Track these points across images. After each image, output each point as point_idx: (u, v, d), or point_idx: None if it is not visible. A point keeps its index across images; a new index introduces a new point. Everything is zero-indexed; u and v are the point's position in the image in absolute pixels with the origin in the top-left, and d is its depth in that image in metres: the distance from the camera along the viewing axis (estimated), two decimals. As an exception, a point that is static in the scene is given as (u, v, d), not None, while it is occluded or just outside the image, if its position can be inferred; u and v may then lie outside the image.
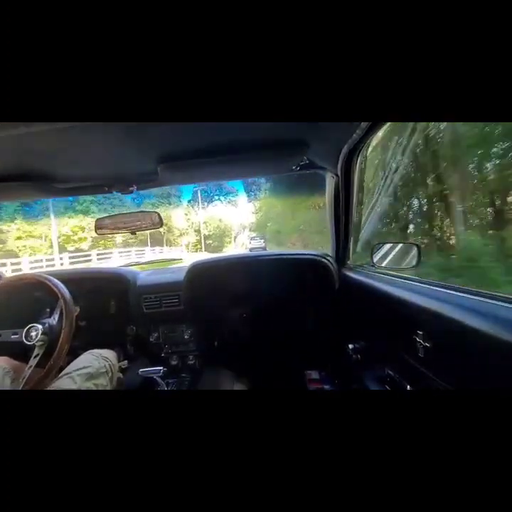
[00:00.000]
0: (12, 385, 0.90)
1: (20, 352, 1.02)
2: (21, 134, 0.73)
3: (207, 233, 27.62)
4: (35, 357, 0.96)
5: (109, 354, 1.09)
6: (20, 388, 0.87)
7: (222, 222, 28.66)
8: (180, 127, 0.84)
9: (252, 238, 20.94)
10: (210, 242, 27.13)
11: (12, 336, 1.05)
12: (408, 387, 0.81)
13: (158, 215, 1.38)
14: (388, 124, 1.05)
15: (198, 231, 27.53)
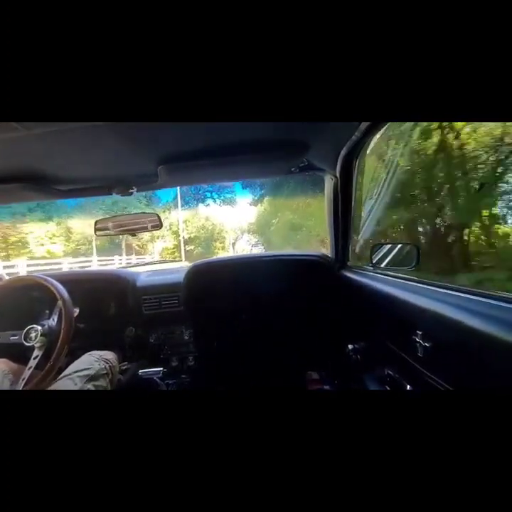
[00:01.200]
0: (11, 387, 0.89)
1: (19, 354, 1.02)
2: (21, 136, 0.73)
3: (187, 236, 19.27)
4: (34, 358, 0.96)
5: (110, 356, 1.08)
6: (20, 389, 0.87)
7: (209, 221, 20.27)
8: (181, 129, 0.84)
9: (253, 245, 18.21)
10: (192, 247, 18.87)
11: (11, 338, 1.04)
12: (408, 387, 0.81)
13: (158, 216, 1.38)
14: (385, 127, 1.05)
15: (176, 233, 19.15)
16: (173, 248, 18.68)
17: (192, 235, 19.45)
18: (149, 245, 18.54)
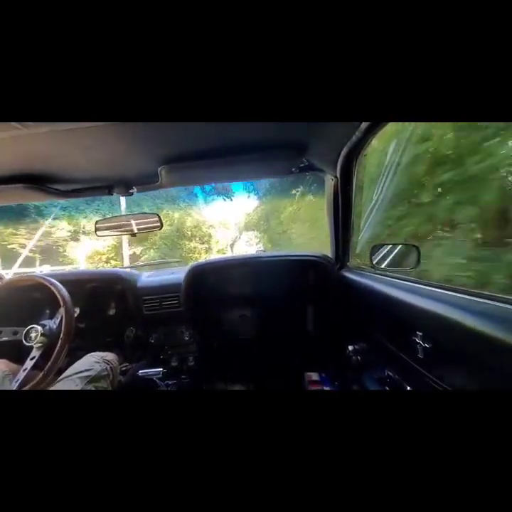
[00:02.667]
0: (11, 388, 0.89)
1: (17, 354, 1.02)
2: (22, 135, 0.73)
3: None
4: (31, 359, 0.96)
5: (111, 357, 1.08)
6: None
7: (176, 205, 11.13)
8: (181, 129, 0.84)
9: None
10: (139, 251, 10.26)
11: (12, 336, 1.05)
12: (408, 388, 0.81)
13: (159, 216, 1.38)
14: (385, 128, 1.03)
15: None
16: (112, 251, 10.62)
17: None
18: (69, 249, 10.10)
